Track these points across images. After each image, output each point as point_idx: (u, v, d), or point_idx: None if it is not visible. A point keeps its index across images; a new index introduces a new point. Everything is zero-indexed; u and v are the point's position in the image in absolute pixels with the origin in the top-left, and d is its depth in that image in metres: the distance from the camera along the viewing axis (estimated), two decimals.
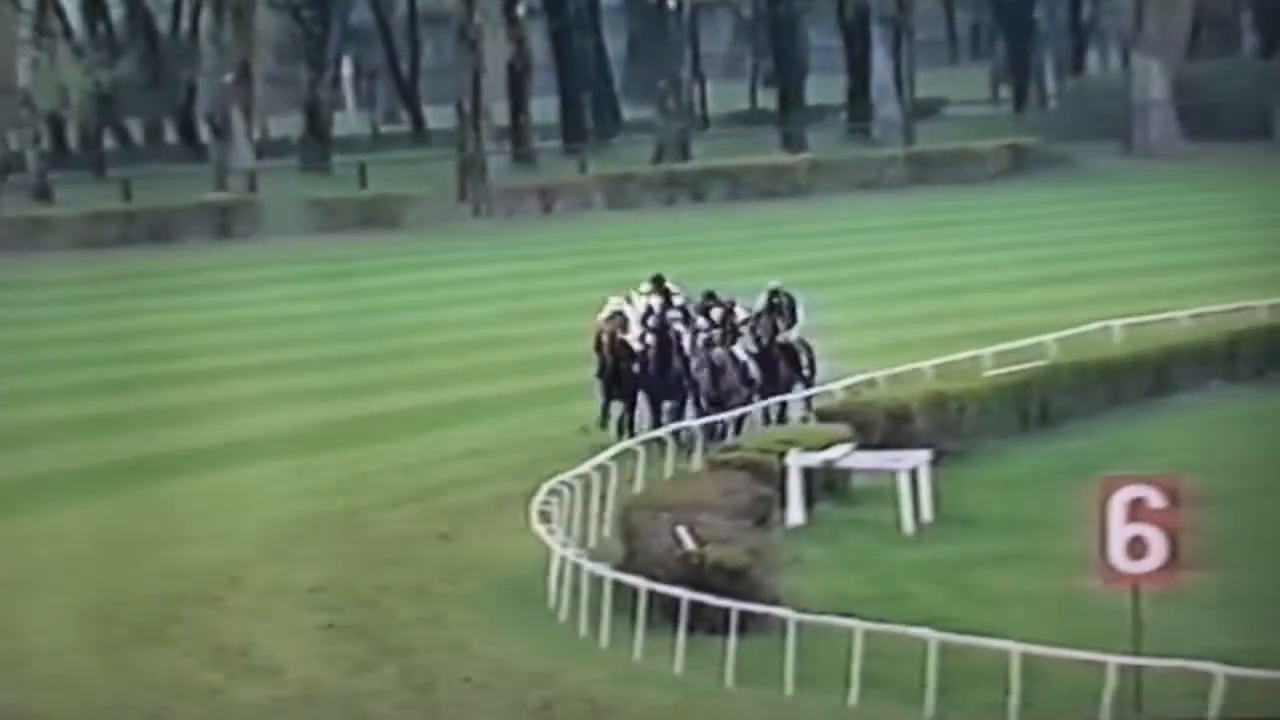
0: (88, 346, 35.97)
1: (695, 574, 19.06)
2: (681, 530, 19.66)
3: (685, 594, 18.52)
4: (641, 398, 25.73)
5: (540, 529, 21.03)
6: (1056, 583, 19.80)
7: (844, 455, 23.85)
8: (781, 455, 23.22)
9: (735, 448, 23.83)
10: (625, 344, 25.78)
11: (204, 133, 58.20)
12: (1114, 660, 16.30)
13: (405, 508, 24.19)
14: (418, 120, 63.98)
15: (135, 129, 62.54)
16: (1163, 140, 57.65)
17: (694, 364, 25.24)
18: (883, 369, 27.53)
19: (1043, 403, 27.36)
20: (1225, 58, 61.53)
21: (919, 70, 60.68)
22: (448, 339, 35.88)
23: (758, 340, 25.91)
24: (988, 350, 28.21)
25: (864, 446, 24.24)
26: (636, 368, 25.50)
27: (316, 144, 58.00)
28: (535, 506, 21.71)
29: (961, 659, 17.04)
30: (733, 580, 18.95)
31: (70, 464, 26.55)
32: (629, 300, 26.49)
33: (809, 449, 23.56)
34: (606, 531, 22.24)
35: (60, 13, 56.37)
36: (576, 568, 19.69)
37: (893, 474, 23.03)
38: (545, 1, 61.74)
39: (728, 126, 64.05)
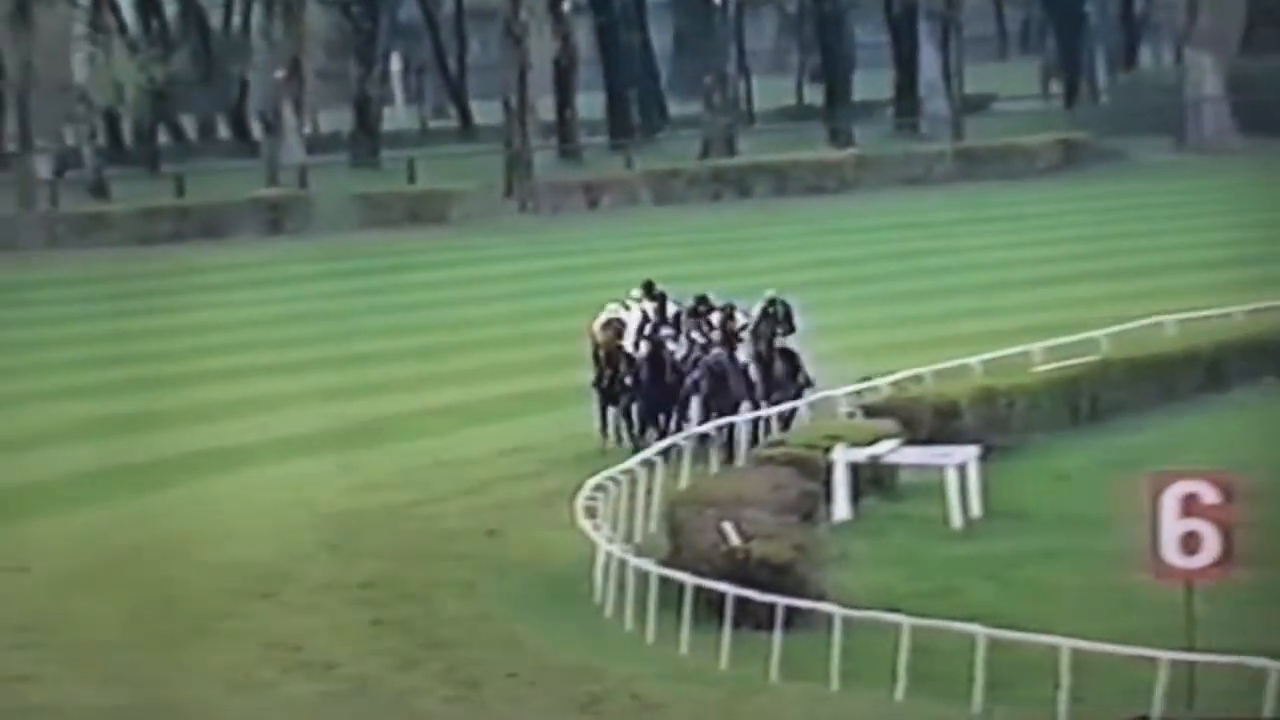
0: (137, 342, 36.14)
1: (741, 569, 18.99)
2: (727, 525, 19.58)
3: (730, 589, 18.40)
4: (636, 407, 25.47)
5: (586, 524, 21.01)
6: (1107, 578, 19.66)
7: (891, 450, 23.70)
8: (827, 450, 23.10)
9: (781, 443, 23.71)
10: (622, 350, 25.51)
11: (256, 128, 58.45)
12: (1166, 656, 16.14)
13: (452, 503, 24.21)
14: (465, 116, 64.14)
15: (189, 125, 62.89)
16: (1216, 135, 57.19)
17: (696, 372, 24.84)
18: (929, 364, 27.34)
19: (1093, 398, 27.18)
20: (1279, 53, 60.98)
21: (968, 65, 60.35)
22: (494, 334, 35.91)
23: (755, 348, 25.50)
24: (1037, 345, 28.01)
25: (911, 442, 24.10)
26: (630, 379, 25.24)
27: (366, 139, 58.22)
28: (581, 502, 21.69)
29: (1010, 654, 16.90)
30: (778, 575, 18.88)
31: (120, 459, 26.66)
32: (626, 307, 26.21)
33: (855, 444, 23.42)
34: (652, 527, 22.16)
35: (115, 9, 56.76)
36: (622, 563, 19.65)
37: (940, 469, 22.91)
38: None
39: (774, 122, 63.89)
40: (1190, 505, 16.42)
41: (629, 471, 22.70)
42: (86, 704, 17.37)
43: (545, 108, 55.98)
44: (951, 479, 22.64)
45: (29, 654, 18.71)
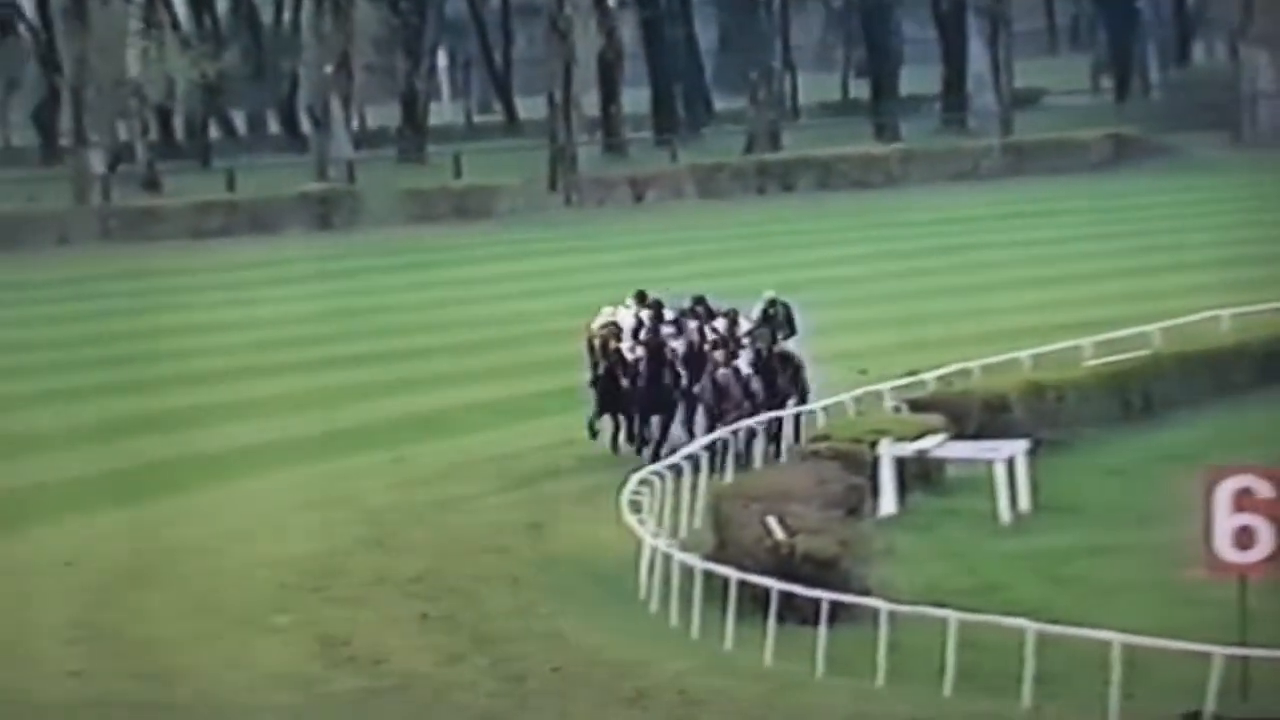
0: (187, 338, 36.25)
1: (786, 564, 18.86)
2: (771, 520, 19.44)
3: (775, 584, 18.27)
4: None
5: (631, 519, 20.94)
6: (1160, 573, 19.47)
7: (938, 445, 23.50)
8: (873, 445, 22.93)
9: (826, 437, 23.54)
10: (619, 353, 25.14)
11: (305, 123, 58.73)
12: (1220, 651, 15.91)
13: (499, 497, 24.18)
14: (510, 111, 64.23)
15: (239, 120, 63.25)
16: (1271, 131, 56.68)
17: (699, 385, 24.38)
18: (977, 359, 27.14)
19: (1145, 392, 26.95)
20: None
21: (1017, 61, 60.03)
22: (539, 329, 35.85)
23: (756, 351, 25.05)
24: (1087, 340, 27.76)
25: (959, 436, 23.91)
26: (626, 381, 24.81)
27: (412, 134, 58.42)
28: (626, 496, 21.62)
29: (1060, 650, 16.73)
30: (823, 570, 18.74)
31: (171, 454, 26.72)
32: (628, 307, 25.90)
33: (901, 439, 23.23)
34: (697, 522, 22.04)
35: (168, 5, 57.09)
36: (667, 558, 19.57)
37: (989, 464, 22.68)
38: None
39: (819, 117, 63.74)
40: (1244, 500, 16.30)
41: (674, 466, 22.57)
42: (136, 700, 17.39)
43: (590, 103, 55.97)
44: (1000, 473, 22.44)
45: (79, 649, 18.76)
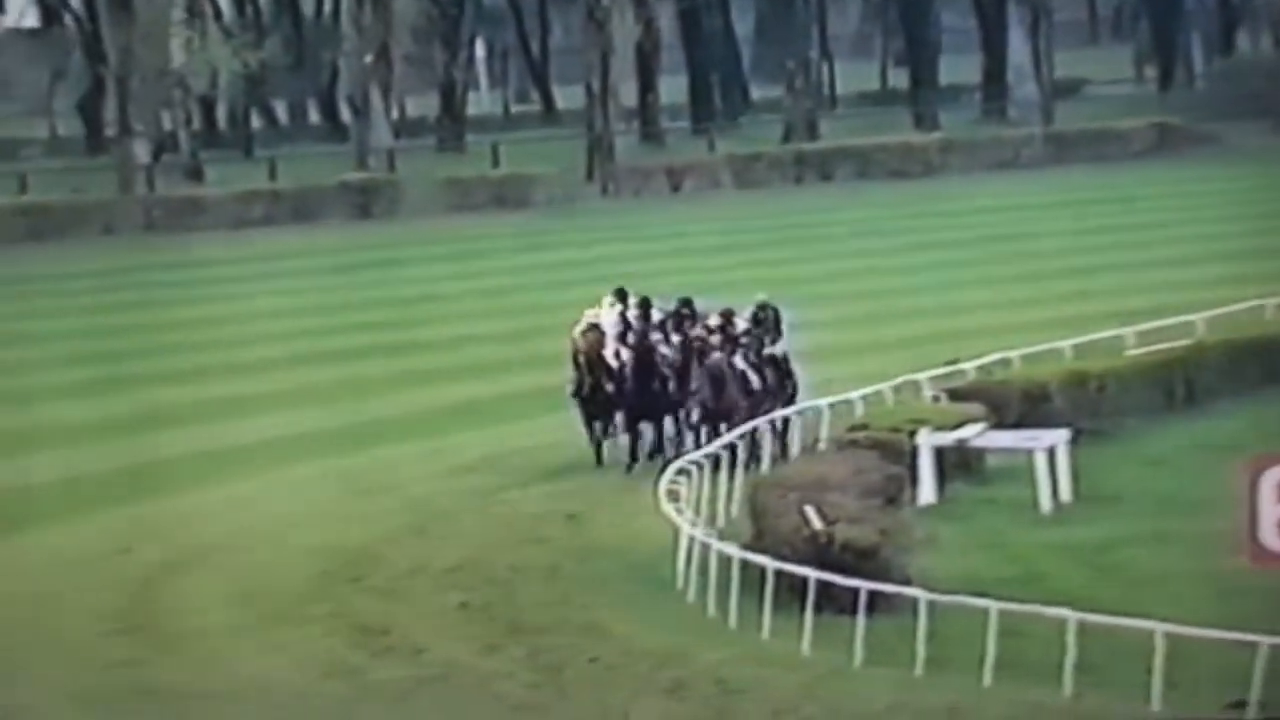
0: (230, 327, 36.34)
1: (824, 553, 18.74)
2: (809, 509, 19.31)
3: (813, 574, 18.14)
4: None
5: (668, 508, 20.85)
6: (1203, 563, 19.29)
7: (978, 434, 23.34)
8: (912, 434, 22.79)
9: (864, 426, 23.39)
10: (603, 360, 24.31)
11: (345, 113, 58.90)
12: (1266, 640, 15.72)
13: (536, 488, 24.12)
14: (548, 100, 64.22)
15: (281, 109, 63.43)
16: None
17: (693, 378, 23.74)
18: (1018, 348, 26.94)
19: (1188, 382, 26.73)
20: None
21: (1058, 51, 59.69)
22: (577, 317, 35.76)
23: (745, 354, 24.51)
24: (1130, 329, 27.55)
25: (999, 426, 23.74)
26: (612, 387, 23.97)
27: (451, 124, 58.52)
28: (663, 486, 21.55)
29: (1102, 640, 16.57)
30: (862, 560, 18.61)
31: (216, 443, 26.75)
32: (613, 306, 24.96)
33: (940, 428, 23.07)
34: (734, 511, 21.94)
35: None
36: (705, 547, 19.48)
37: (1029, 453, 22.51)
38: None
39: (857, 106, 63.52)
40: None
41: (711, 455, 22.47)
42: (184, 689, 17.39)
43: (627, 92, 55.91)
44: (1040, 463, 22.28)
45: (129, 639, 18.81)
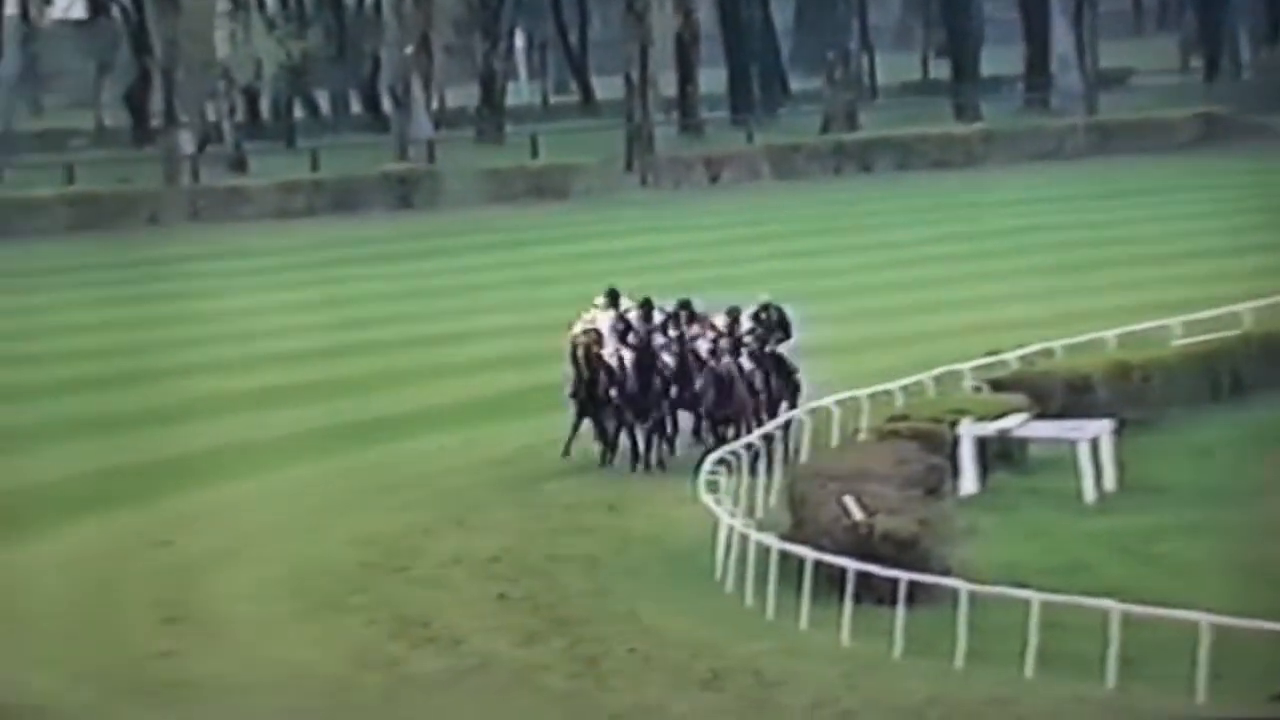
0: (274, 317, 36.35)
1: (863, 544, 18.55)
2: (849, 500, 19.11)
3: (852, 564, 17.95)
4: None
5: (707, 499, 20.73)
6: (1248, 553, 19.08)
7: (1020, 424, 23.10)
8: (953, 424, 22.57)
9: (905, 417, 23.17)
10: (602, 359, 23.83)
11: (386, 104, 58.98)
12: None
13: (573, 478, 23.99)
14: (587, 91, 64.17)
15: (323, 100, 63.62)
16: None
17: (698, 380, 23.48)
18: (1061, 339, 26.68)
19: (1234, 372, 26.49)
20: None
21: (1102, 41, 59.17)
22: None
23: (751, 355, 24.11)
24: (1176, 320, 27.27)
25: (1042, 416, 23.49)
26: (614, 389, 23.65)
27: (490, 115, 58.54)
28: (702, 476, 21.42)
29: (1146, 631, 16.37)
30: (902, 550, 18.42)
31: (260, 434, 26.72)
32: (606, 309, 24.62)
33: (982, 418, 22.85)
34: (773, 501, 21.78)
35: None
36: (743, 538, 19.35)
37: (1073, 443, 22.25)
38: None
39: (898, 97, 63.21)
40: None
41: (750, 446, 22.30)
42: (227, 681, 17.36)
43: (666, 83, 55.73)
44: (1084, 453, 22.07)
45: (172, 629, 18.82)
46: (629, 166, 52.55)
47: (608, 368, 23.87)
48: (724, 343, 23.56)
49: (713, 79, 59.58)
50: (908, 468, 21.01)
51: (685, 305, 24.44)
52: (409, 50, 54.37)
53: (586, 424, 24.16)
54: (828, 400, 24.46)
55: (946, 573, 18.08)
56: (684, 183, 51.57)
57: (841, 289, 36.47)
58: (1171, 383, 25.64)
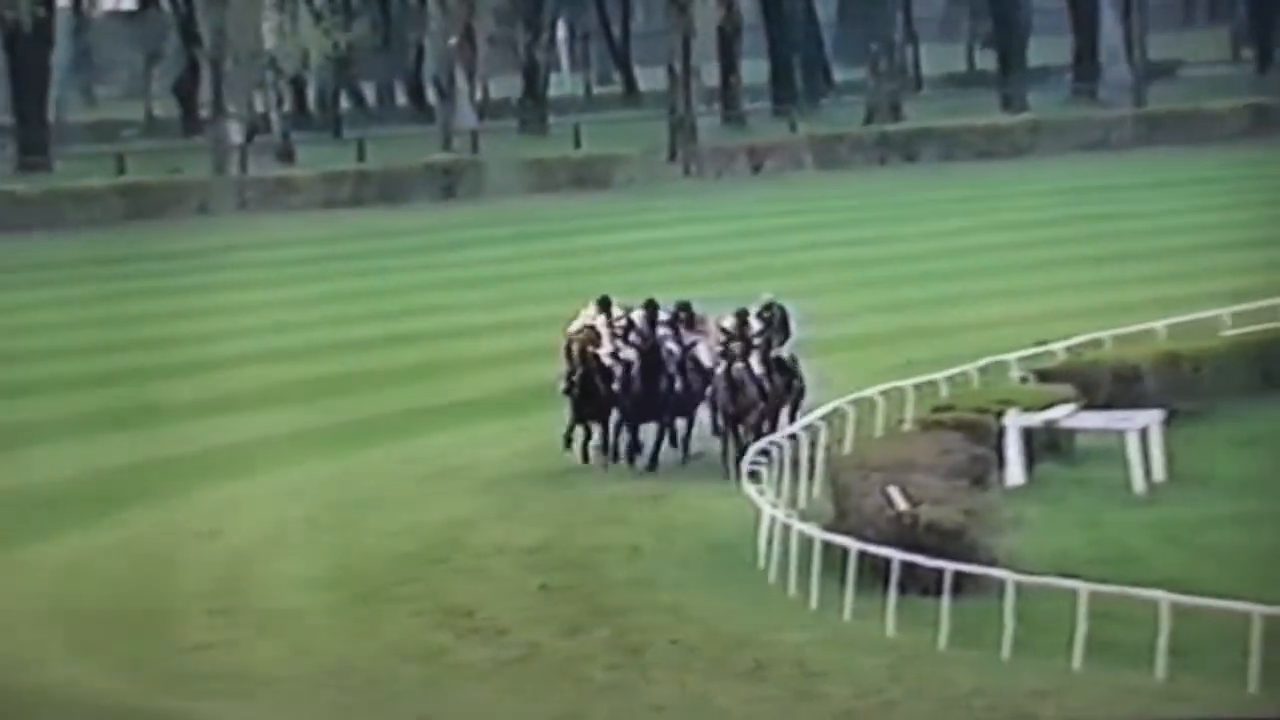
0: (319, 307, 36.39)
1: (908, 534, 18.36)
2: (893, 490, 18.91)
3: (897, 554, 17.75)
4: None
5: (750, 489, 20.59)
6: None
7: (1068, 415, 22.84)
8: (999, 415, 22.32)
9: (950, 407, 22.94)
10: (598, 359, 23.38)
11: (431, 95, 59.05)
12: None
13: (615, 468, 23.79)
14: (629, 82, 64.09)
15: (369, 91, 63.77)
16: None
17: (713, 383, 23.09)
18: (1108, 329, 26.42)
19: None
20: None
21: (1152, 33, 58.69)
22: (659, 298, 35.44)
23: (760, 356, 23.52)
24: (1226, 310, 26.97)
25: (1090, 407, 23.26)
26: (617, 386, 23.29)
27: (533, 105, 58.54)
28: (745, 466, 21.34)
29: (1196, 622, 16.13)
30: (947, 541, 18.22)
31: (308, 424, 26.71)
32: (612, 307, 24.19)
33: (1028, 409, 22.61)
34: (816, 492, 21.60)
35: None
36: (786, 528, 19.19)
37: (1121, 433, 22.00)
38: None
39: (943, 88, 62.90)
40: None
41: (793, 436, 22.13)
42: (274, 672, 17.32)
43: (709, 74, 55.57)
44: (1133, 443, 21.83)
45: (220, 620, 18.79)
46: (672, 157, 52.48)
47: (603, 367, 23.54)
48: (735, 346, 23.23)
49: (756, 70, 59.39)
50: (952, 458, 20.81)
51: (684, 307, 24.07)
52: (453, 41, 54.47)
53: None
54: (871, 390, 24.23)
55: (993, 563, 17.87)
56: (726, 173, 51.43)
57: (885, 278, 36.22)
58: (1222, 373, 25.35)
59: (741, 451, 22.58)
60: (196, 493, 23.46)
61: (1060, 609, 16.57)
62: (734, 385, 23.07)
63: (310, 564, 20.55)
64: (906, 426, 23.30)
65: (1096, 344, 26.07)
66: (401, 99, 63.67)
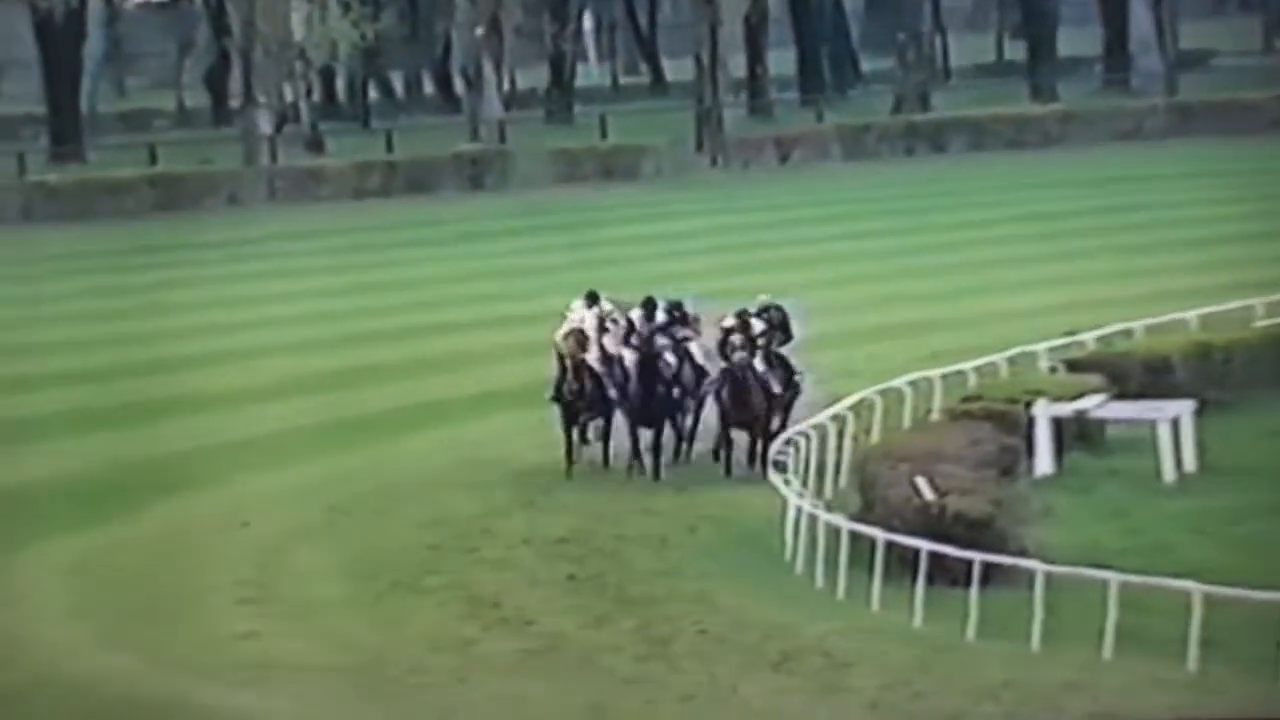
0: (345, 298, 36.40)
1: (936, 524, 18.26)
2: (921, 480, 18.82)
3: (925, 545, 17.65)
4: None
5: (777, 479, 20.51)
6: None
7: (1098, 405, 22.71)
8: (1028, 405, 22.21)
9: (978, 397, 22.83)
10: (586, 363, 22.99)
11: (458, 85, 59.07)
12: None
13: (643, 458, 23.75)
14: (656, 72, 64.00)
15: (397, 81, 63.76)
16: None
17: (715, 380, 22.80)
18: (1139, 319, 26.29)
19: None
20: None
21: (1183, 22, 58.33)
22: (687, 289, 35.36)
23: (764, 356, 23.17)
24: (1259, 300, 26.78)
25: (1120, 397, 23.13)
26: (614, 392, 22.91)
27: (560, 96, 58.51)
28: (772, 456, 21.27)
29: (1227, 613, 15.99)
30: (975, 531, 18.12)
31: (331, 415, 26.71)
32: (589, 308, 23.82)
33: (1058, 399, 22.48)
34: (843, 482, 21.52)
35: None
36: (813, 518, 19.11)
37: (1153, 424, 21.86)
38: None
39: (971, 79, 62.61)
40: None
41: (819, 426, 22.05)
42: (305, 662, 17.32)
43: (736, 65, 55.44)
44: (1164, 434, 21.70)
45: (251, 610, 18.79)
46: (699, 147, 52.34)
47: (591, 370, 23.18)
48: (737, 338, 22.96)
49: (783, 61, 59.22)
50: (981, 448, 20.71)
51: (677, 306, 23.76)
52: (480, 32, 54.43)
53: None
54: (899, 381, 24.13)
55: (1022, 554, 17.75)
56: (754, 163, 51.29)
57: (914, 269, 36.09)
58: (1253, 364, 25.19)
59: (755, 448, 22.45)
60: (226, 483, 23.49)
61: (1090, 600, 16.45)
62: (738, 383, 22.90)
63: (338, 554, 20.57)
64: (935, 417, 23.22)
65: (1127, 334, 25.96)
66: (429, 89, 63.69)
